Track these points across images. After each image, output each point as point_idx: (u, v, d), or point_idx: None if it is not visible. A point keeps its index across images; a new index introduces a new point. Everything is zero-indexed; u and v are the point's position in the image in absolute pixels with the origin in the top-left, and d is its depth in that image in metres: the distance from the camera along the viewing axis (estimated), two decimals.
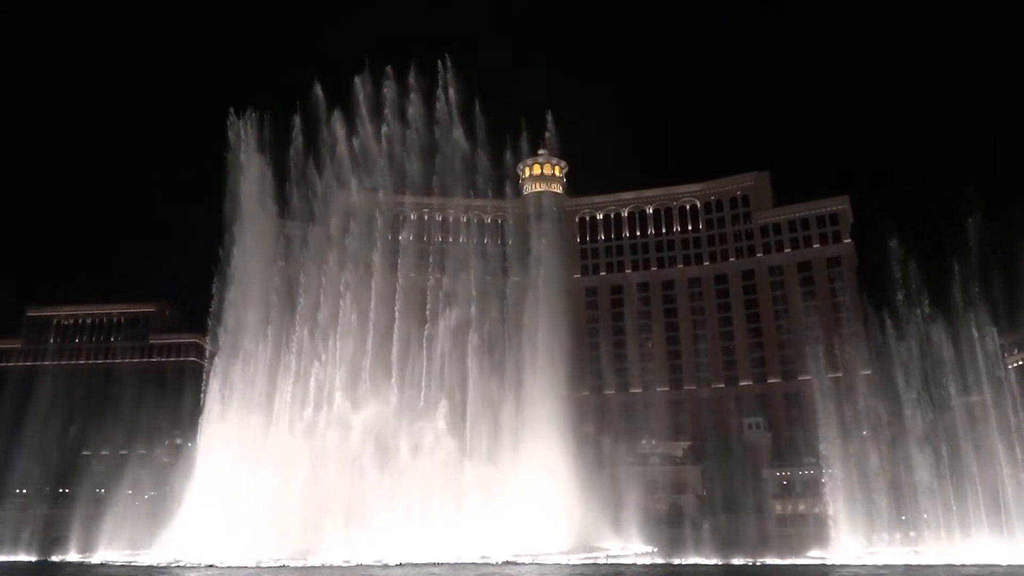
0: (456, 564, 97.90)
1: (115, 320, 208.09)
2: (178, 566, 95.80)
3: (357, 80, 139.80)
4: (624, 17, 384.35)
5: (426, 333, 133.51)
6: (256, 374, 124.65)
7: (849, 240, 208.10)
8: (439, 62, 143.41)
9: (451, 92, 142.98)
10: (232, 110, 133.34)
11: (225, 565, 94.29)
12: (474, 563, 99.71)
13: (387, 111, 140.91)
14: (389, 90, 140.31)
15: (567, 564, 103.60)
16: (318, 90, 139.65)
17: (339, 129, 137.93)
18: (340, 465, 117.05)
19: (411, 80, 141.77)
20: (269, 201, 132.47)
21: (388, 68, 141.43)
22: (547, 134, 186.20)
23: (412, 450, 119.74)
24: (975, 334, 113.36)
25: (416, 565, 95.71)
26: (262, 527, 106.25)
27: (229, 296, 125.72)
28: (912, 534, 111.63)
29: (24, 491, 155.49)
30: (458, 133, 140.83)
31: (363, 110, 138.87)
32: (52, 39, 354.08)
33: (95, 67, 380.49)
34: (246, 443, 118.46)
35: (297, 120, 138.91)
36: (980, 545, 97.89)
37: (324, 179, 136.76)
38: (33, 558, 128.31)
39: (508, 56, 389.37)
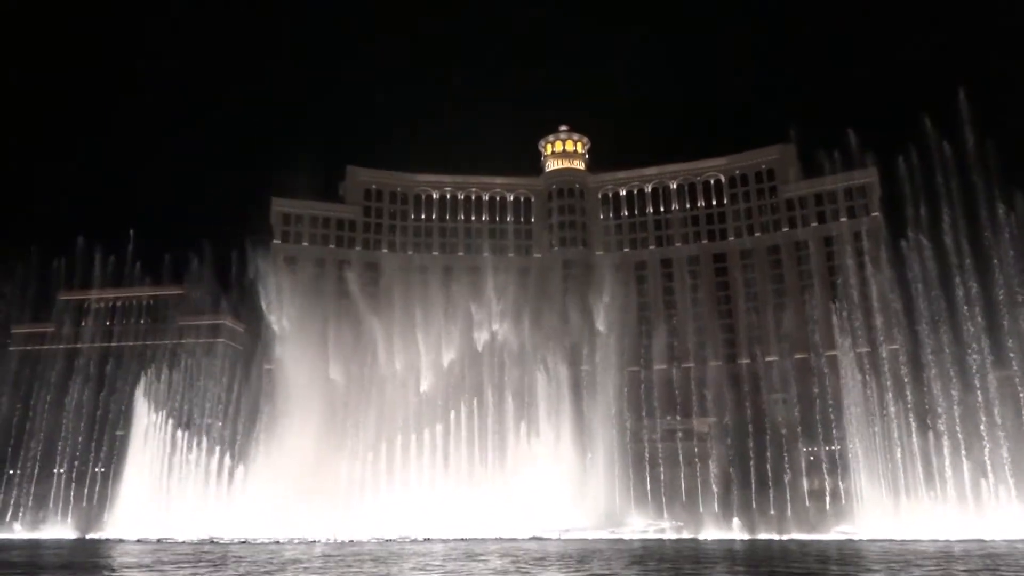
0: (482, 540, 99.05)
1: (144, 303, 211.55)
2: (212, 542, 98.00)
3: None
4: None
5: (473, 314, 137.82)
6: (300, 358, 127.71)
7: (877, 213, 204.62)
8: None
9: None
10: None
11: (258, 541, 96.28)
12: (499, 538, 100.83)
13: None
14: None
15: (592, 539, 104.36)
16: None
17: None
18: (372, 448, 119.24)
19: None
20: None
21: None
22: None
23: (443, 433, 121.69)
24: (1007, 306, 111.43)
25: (443, 540, 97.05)
26: (295, 506, 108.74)
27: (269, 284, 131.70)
28: (940, 509, 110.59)
29: (62, 471, 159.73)
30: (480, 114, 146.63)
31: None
32: (52, 39, 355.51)
33: (95, 67, 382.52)
34: (286, 427, 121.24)
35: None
36: (1007, 520, 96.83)
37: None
38: (73, 536, 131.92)
39: (527, 24, 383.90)
